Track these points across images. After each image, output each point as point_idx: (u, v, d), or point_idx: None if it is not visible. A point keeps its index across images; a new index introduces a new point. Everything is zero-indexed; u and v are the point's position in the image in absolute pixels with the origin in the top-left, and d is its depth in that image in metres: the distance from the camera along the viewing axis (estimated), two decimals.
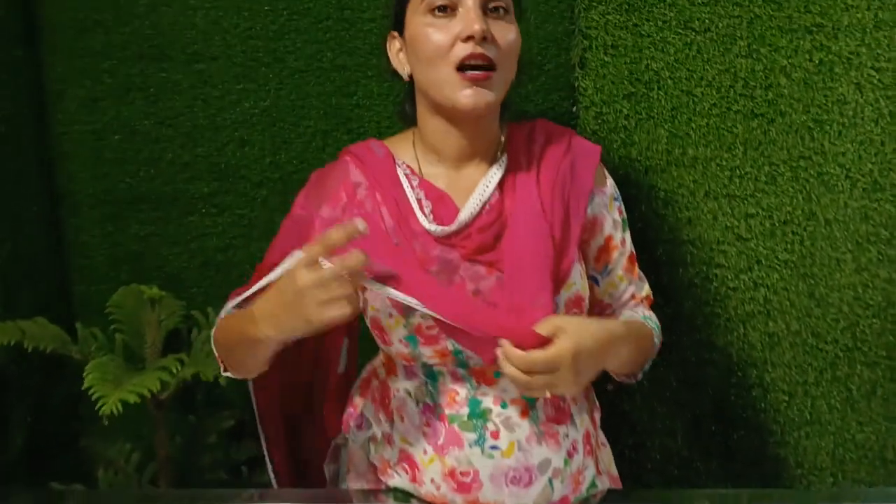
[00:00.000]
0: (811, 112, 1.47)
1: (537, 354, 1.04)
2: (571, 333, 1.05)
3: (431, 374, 1.19)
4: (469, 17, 1.09)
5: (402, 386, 1.22)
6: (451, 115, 1.17)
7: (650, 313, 1.32)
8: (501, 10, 1.14)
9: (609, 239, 1.27)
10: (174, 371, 1.38)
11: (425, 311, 1.10)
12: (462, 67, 1.10)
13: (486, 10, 1.12)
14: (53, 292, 1.70)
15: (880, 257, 1.50)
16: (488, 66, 1.10)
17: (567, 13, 1.57)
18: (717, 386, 1.57)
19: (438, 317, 1.10)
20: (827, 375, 1.55)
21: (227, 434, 1.62)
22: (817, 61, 1.45)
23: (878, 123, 1.46)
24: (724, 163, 1.49)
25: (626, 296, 1.31)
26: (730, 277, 1.53)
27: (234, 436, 1.66)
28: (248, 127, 1.64)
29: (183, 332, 1.62)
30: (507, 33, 1.13)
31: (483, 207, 1.18)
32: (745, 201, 1.50)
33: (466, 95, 1.10)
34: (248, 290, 1.19)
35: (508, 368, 1.05)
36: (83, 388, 1.30)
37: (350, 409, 1.32)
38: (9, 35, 1.55)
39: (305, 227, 1.21)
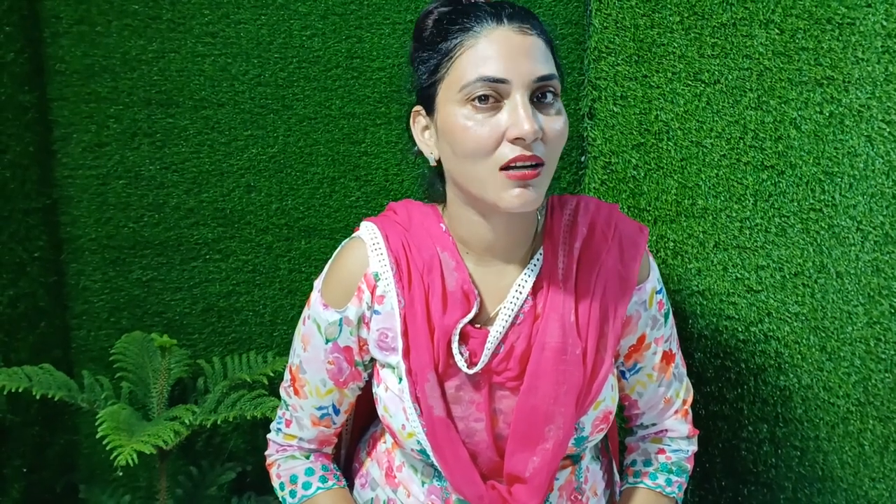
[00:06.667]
0: (821, 164, 1.46)
1: None
2: None
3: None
4: (518, 115, 0.94)
5: (407, 461, 1.17)
6: (487, 211, 1.04)
7: (682, 444, 1.24)
8: (550, 96, 0.98)
9: (642, 338, 1.16)
10: (187, 422, 1.35)
11: (428, 451, 1.08)
12: (507, 167, 0.96)
13: (535, 99, 0.97)
14: (53, 337, 1.68)
15: (892, 310, 1.49)
16: (537, 164, 0.96)
17: (577, 64, 1.56)
18: (727, 440, 1.55)
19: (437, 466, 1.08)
20: (839, 430, 1.53)
21: (228, 486, 1.59)
22: (827, 114, 1.45)
23: (888, 176, 1.46)
24: (735, 214, 1.48)
25: (657, 399, 1.21)
26: (740, 330, 1.51)
27: (235, 488, 1.63)
28: (254, 173, 1.63)
29: (186, 380, 1.59)
30: (556, 125, 0.97)
31: (515, 319, 1.08)
32: (756, 253, 1.49)
33: (513, 196, 0.96)
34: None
35: None
36: (98, 436, 1.27)
37: (356, 465, 1.28)
38: (16, 79, 1.55)
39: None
